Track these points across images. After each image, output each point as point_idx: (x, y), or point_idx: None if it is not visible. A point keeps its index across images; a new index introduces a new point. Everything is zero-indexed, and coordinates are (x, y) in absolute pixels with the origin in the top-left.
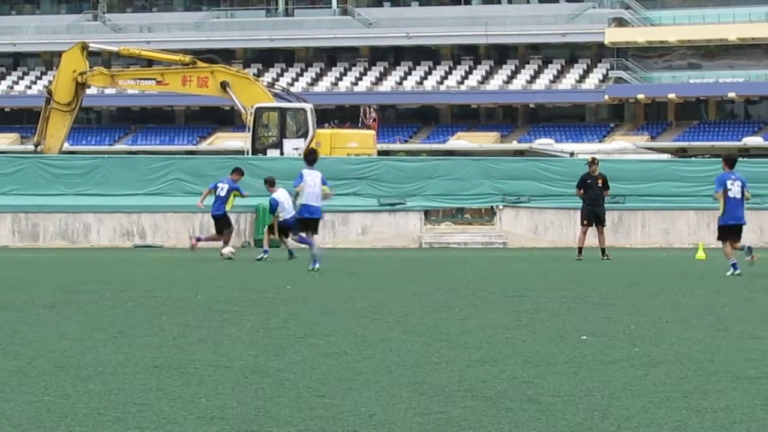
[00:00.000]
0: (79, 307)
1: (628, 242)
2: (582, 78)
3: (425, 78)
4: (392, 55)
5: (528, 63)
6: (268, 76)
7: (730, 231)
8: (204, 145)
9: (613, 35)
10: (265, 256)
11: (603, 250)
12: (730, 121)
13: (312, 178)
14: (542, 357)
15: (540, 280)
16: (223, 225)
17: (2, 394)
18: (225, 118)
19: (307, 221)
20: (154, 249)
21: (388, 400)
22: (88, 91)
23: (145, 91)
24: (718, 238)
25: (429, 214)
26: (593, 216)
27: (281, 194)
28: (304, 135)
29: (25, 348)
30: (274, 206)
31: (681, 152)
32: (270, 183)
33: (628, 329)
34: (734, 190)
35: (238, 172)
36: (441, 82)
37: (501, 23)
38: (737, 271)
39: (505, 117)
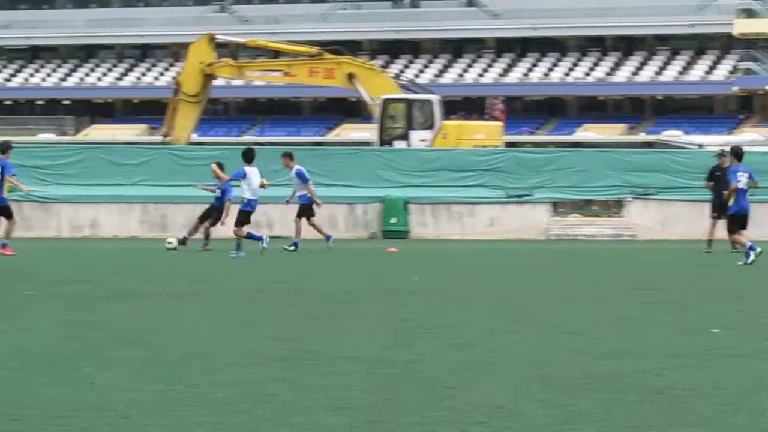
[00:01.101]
0: (207, 298)
1: (759, 234)
2: (710, 69)
3: (552, 69)
4: (519, 47)
5: (655, 54)
6: (394, 68)
7: (739, 219)
8: (330, 137)
9: (742, 26)
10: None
11: (733, 243)
12: None
13: (254, 175)
14: (671, 350)
15: (669, 273)
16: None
17: (132, 384)
18: (352, 109)
19: (251, 214)
20: (282, 240)
21: (516, 392)
22: (215, 83)
23: (272, 83)
24: (729, 228)
25: (557, 206)
26: (723, 208)
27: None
28: (431, 126)
29: (155, 338)
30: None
31: None
32: (290, 157)
33: (760, 322)
34: (742, 181)
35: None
36: (568, 74)
37: (628, 14)
38: (759, 250)
39: (633, 109)
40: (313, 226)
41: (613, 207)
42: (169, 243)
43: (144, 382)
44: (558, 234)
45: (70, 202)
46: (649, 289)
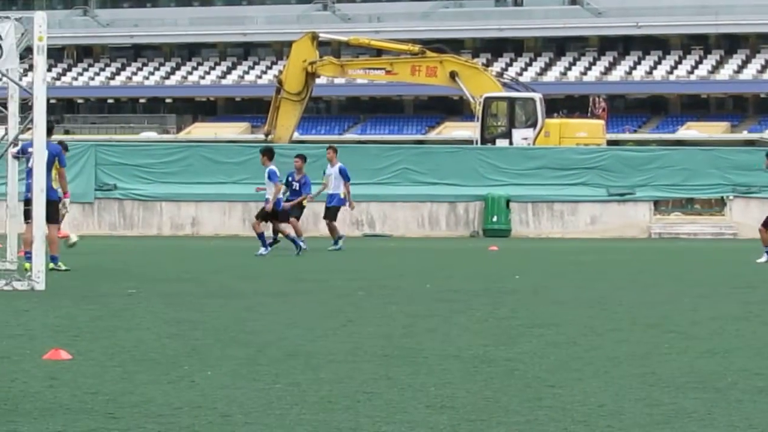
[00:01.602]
0: (308, 296)
1: None
2: None
3: (654, 68)
4: (621, 45)
5: (759, 52)
6: (497, 66)
7: None
8: (433, 135)
9: None
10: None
11: None
12: None
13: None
14: None
15: None
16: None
17: (234, 382)
18: (453, 107)
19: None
20: (383, 238)
21: (617, 391)
22: (317, 81)
23: (374, 81)
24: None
25: (658, 204)
26: None
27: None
28: (533, 125)
29: (256, 336)
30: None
31: None
32: (335, 151)
33: None
34: None
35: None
36: (670, 72)
37: (731, 12)
38: None
39: (735, 107)
40: (295, 226)
41: (715, 205)
42: (72, 241)
43: (245, 381)
44: (659, 232)
45: (172, 200)
46: (750, 287)
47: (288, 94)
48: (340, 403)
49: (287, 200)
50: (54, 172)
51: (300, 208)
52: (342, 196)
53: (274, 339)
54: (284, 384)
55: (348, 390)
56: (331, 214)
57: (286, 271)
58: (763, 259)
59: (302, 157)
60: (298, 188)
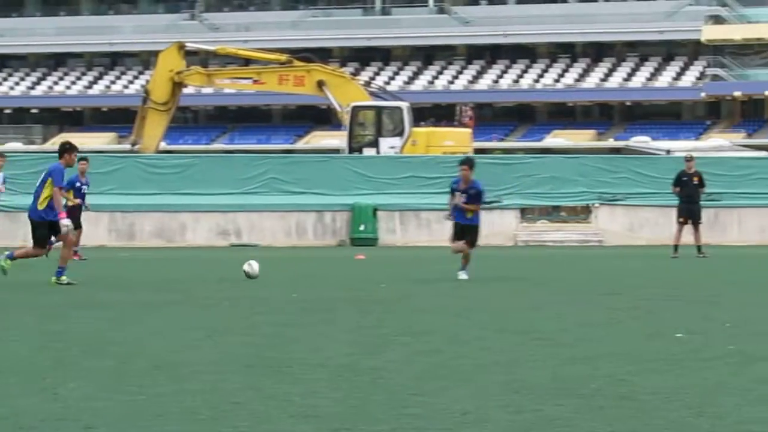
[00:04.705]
0: (174, 306)
1: (724, 240)
2: (679, 75)
3: (521, 76)
4: (489, 54)
5: (624, 61)
6: (364, 75)
7: None
8: (301, 144)
9: (710, 33)
10: None
11: (699, 248)
12: None
13: None
14: (637, 355)
15: (635, 278)
16: None
17: (98, 394)
18: (321, 116)
19: None
20: (250, 248)
21: (482, 398)
22: (185, 91)
23: (242, 90)
24: None
25: (525, 212)
26: (689, 213)
27: None
28: (401, 133)
29: (121, 347)
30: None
31: None
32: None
33: (724, 327)
34: None
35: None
36: (537, 80)
37: (597, 21)
38: None
39: (602, 115)
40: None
41: (581, 213)
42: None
43: (109, 392)
44: (526, 240)
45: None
46: (615, 294)
47: (155, 104)
48: (204, 413)
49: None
50: (47, 190)
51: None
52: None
53: (139, 350)
54: (149, 395)
55: (213, 401)
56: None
57: (152, 282)
58: None
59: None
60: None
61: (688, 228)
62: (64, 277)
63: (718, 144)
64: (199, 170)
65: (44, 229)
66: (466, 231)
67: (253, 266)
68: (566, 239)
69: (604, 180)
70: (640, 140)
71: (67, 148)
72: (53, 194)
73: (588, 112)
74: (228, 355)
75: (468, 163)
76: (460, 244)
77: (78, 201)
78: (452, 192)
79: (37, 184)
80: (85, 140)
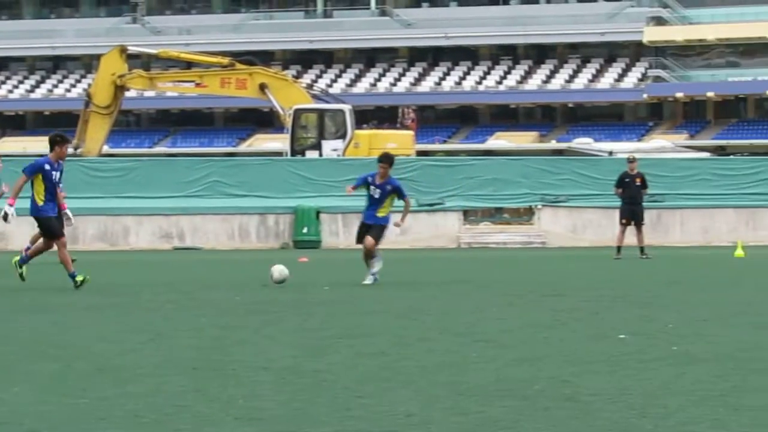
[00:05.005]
0: (118, 310)
1: (667, 241)
2: (621, 77)
3: (464, 78)
4: (431, 56)
5: (567, 62)
6: (307, 78)
7: None
8: (243, 147)
9: (652, 34)
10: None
11: (642, 249)
12: None
13: None
14: (580, 356)
15: (578, 279)
16: None
17: (41, 397)
18: (264, 119)
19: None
20: (193, 251)
21: (426, 400)
22: (127, 94)
23: (184, 94)
24: None
25: (468, 214)
26: (632, 214)
27: None
28: (343, 136)
29: (64, 351)
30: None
31: (720, 150)
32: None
33: (667, 328)
34: None
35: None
36: (480, 82)
37: (539, 23)
38: None
39: (544, 116)
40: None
41: (524, 214)
42: None
43: (53, 396)
44: (469, 242)
45: None
46: (558, 295)
47: (97, 108)
48: (148, 416)
49: None
50: (38, 185)
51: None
52: None
53: (83, 353)
54: (92, 398)
55: (156, 403)
56: None
57: (96, 285)
58: None
59: None
60: None
61: (630, 229)
62: (24, 267)
63: (661, 145)
64: (142, 174)
65: (50, 222)
66: (371, 230)
67: (282, 271)
68: (509, 241)
69: (547, 181)
70: (582, 142)
71: (57, 141)
72: (17, 181)
73: (530, 113)
74: (172, 358)
75: (388, 160)
76: (369, 239)
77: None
78: (365, 184)
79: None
80: (27, 144)
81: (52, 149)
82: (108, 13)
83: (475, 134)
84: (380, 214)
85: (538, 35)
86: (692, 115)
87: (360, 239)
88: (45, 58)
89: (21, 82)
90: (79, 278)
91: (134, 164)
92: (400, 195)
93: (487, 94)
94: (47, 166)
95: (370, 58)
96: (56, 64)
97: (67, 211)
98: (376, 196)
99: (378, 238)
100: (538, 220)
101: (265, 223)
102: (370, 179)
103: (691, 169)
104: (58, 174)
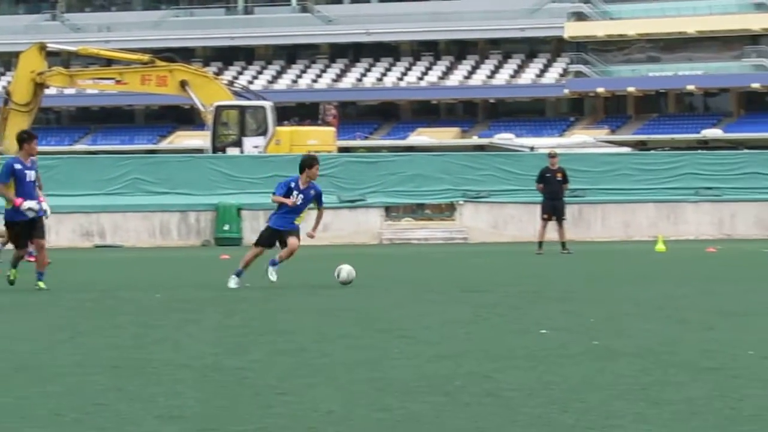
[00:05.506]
0: (37, 308)
1: (588, 236)
2: (542, 72)
3: (385, 74)
4: (352, 52)
5: (488, 58)
6: (228, 75)
7: None
8: (164, 144)
9: (573, 29)
10: None
11: (563, 244)
12: (690, 114)
13: None
14: (502, 351)
15: (500, 275)
16: None
17: None
18: (185, 116)
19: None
20: (114, 249)
21: (347, 397)
22: (47, 92)
23: (105, 91)
24: None
25: (389, 211)
26: (553, 210)
27: None
28: (264, 133)
29: None
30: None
31: (641, 145)
32: None
33: (588, 323)
34: None
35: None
36: (401, 79)
37: (460, 19)
38: None
39: (466, 112)
40: None
41: (446, 210)
42: None
43: None
44: (390, 238)
45: None
46: (479, 291)
47: (16, 105)
48: (68, 416)
49: None
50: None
51: None
52: None
53: (2, 352)
54: (12, 398)
55: (77, 402)
56: None
57: (15, 283)
58: None
59: None
60: None
61: (552, 224)
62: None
63: (582, 140)
64: (62, 171)
65: (20, 228)
66: (284, 237)
67: (351, 273)
68: (431, 237)
69: (469, 177)
70: (504, 137)
71: (25, 138)
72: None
73: (452, 109)
74: (92, 357)
75: (317, 162)
76: (294, 240)
77: None
78: (288, 191)
79: None
80: None
81: (20, 147)
82: (27, 11)
83: (397, 130)
84: (298, 221)
85: (460, 31)
86: (613, 110)
87: (266, 243)
88: None
89: None
90: (11, 277)
91: (54, 162)
92: (320, 203)
93: (408, 90)
94: (18, 166)
95: (291, 54)
96: None
97: (43, 204)
98: (299, 202)
99: (298, 239)
100: (459, 215)
101: (186, 220)
102: (293, 184)
103: (612, 164)
104: (33, 173)
